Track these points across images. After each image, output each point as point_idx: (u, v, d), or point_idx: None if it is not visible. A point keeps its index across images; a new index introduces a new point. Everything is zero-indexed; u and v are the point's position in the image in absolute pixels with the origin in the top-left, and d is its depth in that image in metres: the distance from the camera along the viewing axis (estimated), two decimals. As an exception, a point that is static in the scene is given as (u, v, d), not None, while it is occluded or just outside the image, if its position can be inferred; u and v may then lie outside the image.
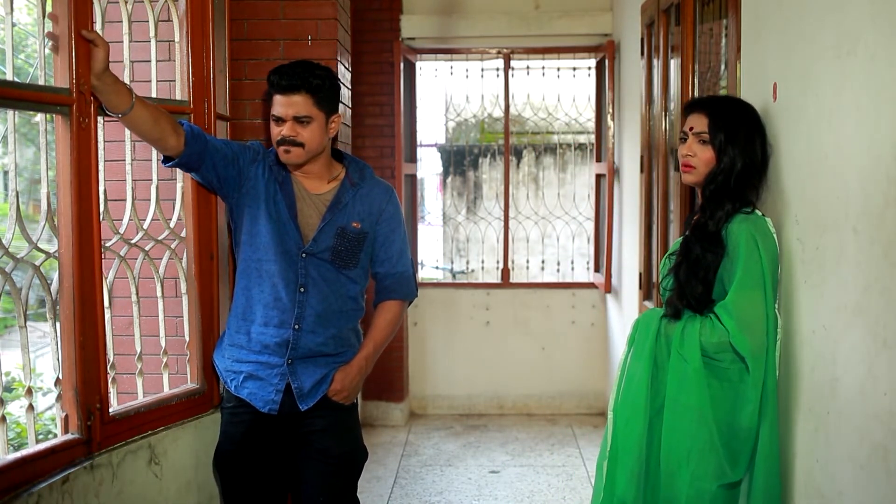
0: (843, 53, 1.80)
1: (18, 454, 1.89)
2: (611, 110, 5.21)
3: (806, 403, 2.02)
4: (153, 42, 2.51)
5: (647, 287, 4.10)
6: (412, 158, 5.66)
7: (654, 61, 3.89)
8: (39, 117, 2.09)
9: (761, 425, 2.07)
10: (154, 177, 2.52)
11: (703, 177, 2.19)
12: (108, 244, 2.29)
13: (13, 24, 2.02)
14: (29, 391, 2.03)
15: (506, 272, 5.74)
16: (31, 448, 1.95)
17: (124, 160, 2.44)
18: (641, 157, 4.16)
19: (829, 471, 1.89)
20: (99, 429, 2.12)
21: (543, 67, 5.83)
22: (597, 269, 5.67)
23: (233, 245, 2.57)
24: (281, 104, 2.35)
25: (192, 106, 2.53)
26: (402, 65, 5.22)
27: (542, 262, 6.24)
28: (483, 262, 6.71)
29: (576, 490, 4.19)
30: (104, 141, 2.28)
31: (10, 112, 1.99)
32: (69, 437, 2.06)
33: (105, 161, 2.29)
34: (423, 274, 7.47)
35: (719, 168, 2.16)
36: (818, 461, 1.95)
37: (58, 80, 2.05)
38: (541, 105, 6.16)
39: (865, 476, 1.72)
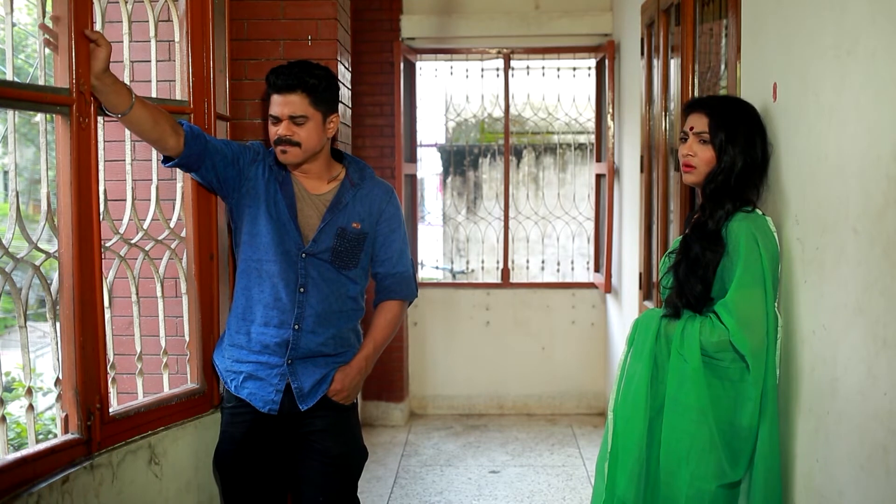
0: (843, 53, 1.80)
1: (18, 454, 1.89)
2: (611, 110, 5.21)
3: (806, 403, 2.02)
4: (153, 42, 2.51)
5: (647, 287, 4.10)
6: (412, 158, 5.66)
7: (654, 61, 3.89)
8: (39, 117, 2.09)
9: (761, 424, 2.07)
10: (154, 177, 2.52)
11: (704, 176, 2.20)
12: (108, 244, 2.29)
13: (13, 24, 2.01)
14: (29, 391, 2.03)
15: (506, 272, 5.74)
16: (31, 448, 1.95)
17: (124, 160, 2.44)
18: (641, 157, 4.16)
19: (829, 471, 1.89)
20: (99, 429, 2.12)
21: (543, 67, 5.83)
22: (597, 269, 5.68)
23: (233, 245, 2.57)
24: (277, 104, 2.35)
25: (192, 106, 2.53)
26: (401, 65, 5.22)
27: (542, 262, 6.24)
28: (483, 262, 6.71)
29: (576, 490, 4.19)
30: (104, 141, 2.28)
31: (10, 112, 1.99)
32: (69, 437, 2.06)
33: (105, 161, 2.29)
34: (423, 274, 7.47)
35: (719, 168, 2.16)
36: (818, 461, 1.95)
37: (58, 80, 2.05)
38: (541, 105, 6.16)
39: (865, 476, 1.72)
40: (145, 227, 2.47)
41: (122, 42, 2.42)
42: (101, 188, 2.20)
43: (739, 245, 2.07)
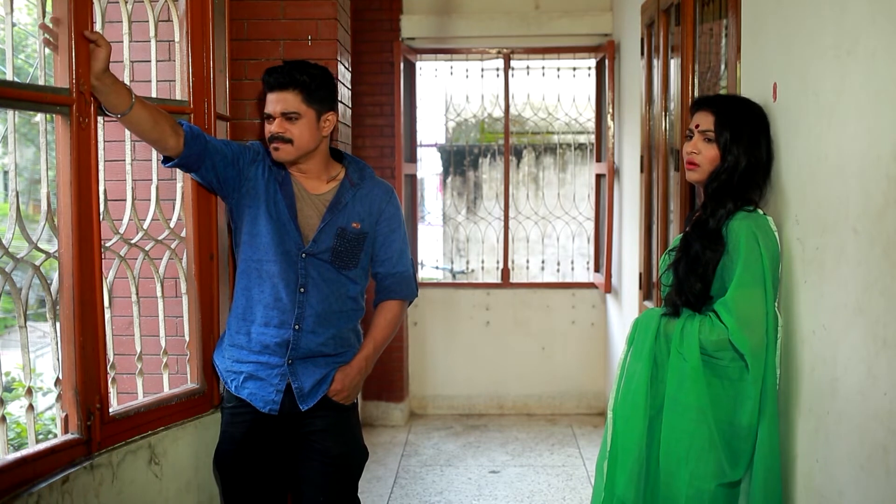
0: (843, 53, 1.80)
1: (18, 454, 1.89)
2: (611, 110, 5.21)
3: (806, 403, 2.02)
4: (153, 42, 2.51)
5: (647, 287, 4.10)
6: (412, 158, 5.66)
7: (654, 61, 3.89)
8: (39, 117, 2.09)
9: (761, 424, 2.07)
10: (154, 177, 2.52)
11: (707, 175, 2.19)
12: (108, 244, 2.29)
13: (13, 24, 2.01)
14: (29, 391, 2.03)
15: (506, 272, 5.74)
16: (31, 448, 1.95)
17: (124, 160, 2.44)
18: (641, 157, 4.16)
19: (829, 471, 1.89)
20: (99, 429, 2.12)
21: (543, 67, 5.83)
22: (597, 269, 5.68)
23: (233, 245, 2.57)
24: (271, 101, 2.37)
25: (192, 106, 2.53)
26: (401, 65, 5.22)
27: (542, 262, 6.24)
28: (483, 262, 6.71)
29: (576, 490, 4.19)
30: (104, 141, 2.28)
31: (10, 112, 1.99)
32: (69, 437, 2.06)
33: (105, 161, 2.29)
34: (423, 274, 7.47)
35: (723, 167, 2.16)
36: (818, 461, 1.95)
37: (58, 80, 2.05)
38: (541, 105, 6.16)
39: (865, 476, 1.72)
40: (145, 227, 2.47)
41: (122, 42, 2.42)
42: (101, 188, 2.20)
43: (740, 244, 2.07)
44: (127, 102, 2.17)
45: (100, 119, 2.18)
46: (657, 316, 2.24)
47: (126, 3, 2.42)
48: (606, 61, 5.24)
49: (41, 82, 2.08)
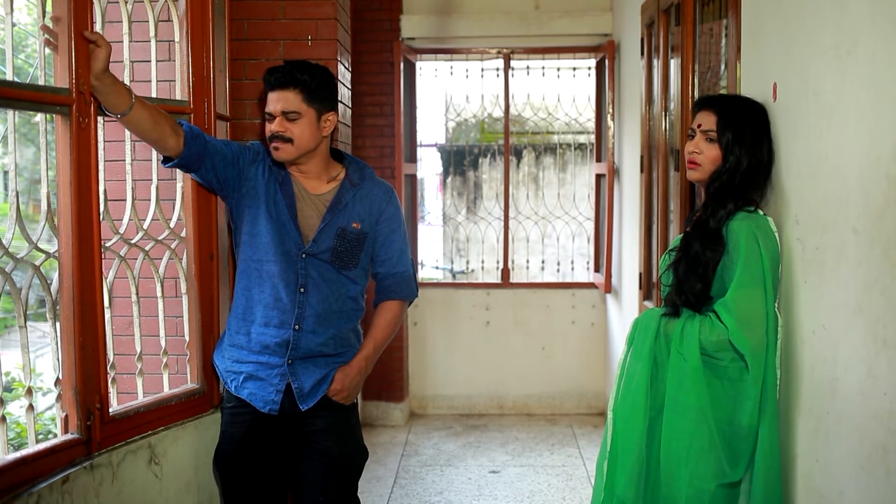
0: (843, 53, 1.80)
1: (18, 454, 1.89)
2: (611, 110, 5.21)
3: (806, 403, 2.02)
4: (153, 42, 2.51)
5: (647, 287, 4.10)
6: (412, 158, 5.66)
7: (654, 61, 3.89)
8: (39, 117, 2.09)
9: (761, 424, 2.07)
10: (154, 177, 2.52)
11: (708, 174, 2.19)
12: (108, 244, 2.29)
13: (13, 24, 2.02)
14: (29, 391, 2.03)
15: (506, 272, 5.74)
16: (31, 448, 1.95)
17: (124, 160, 2.44)
18: (641, 157, 4.16)
19: (829, 471, 1.89)
20: (99, 429, 2.12)
21: (543, 67, 5.83)
22: (597, 269, 5.68)
23: (233, 245, 2.57)
24: (272, 101, 2.38)
25: (192, 106, 2.53)
26: (402, 65, 5.22)
27: (542, 262, 6.24)
28: (483, 262, 6.71)
29: (576, 490, 4.19)
30: (104, 141, 2.28)
31: (10, 112, 1.99)
32: (69, 437, 2.06)
33: (105, 161, 2.29)
34: (423, 274, 7.47)
35: (724, 167, 2.16)
36: (818, 461, 1.95)
37: (58, 80, 2.05)
38: (541, 105, 6.16)
39: (865, 476, 1.72)
40: (145, 227, 2.47)
41: (122, 42, 2.42)
42: (101, 188, 2.20)
43: (740, 244, 2.07)
44: (127, 102, 2.17)
45: (100, 119, 2.18)
46: (657, 316, 2.24)
47: (126, 3, 2.42)
48: (606, 61, 5.24)
49: (41, 82, 2.08)
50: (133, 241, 2.44)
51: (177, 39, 2.55)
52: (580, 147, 7.55)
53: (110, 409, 2.20)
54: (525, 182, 7.89)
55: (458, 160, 8.03)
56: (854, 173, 1.75)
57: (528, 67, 5.90)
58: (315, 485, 2.46)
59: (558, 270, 6.13)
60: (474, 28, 5.37)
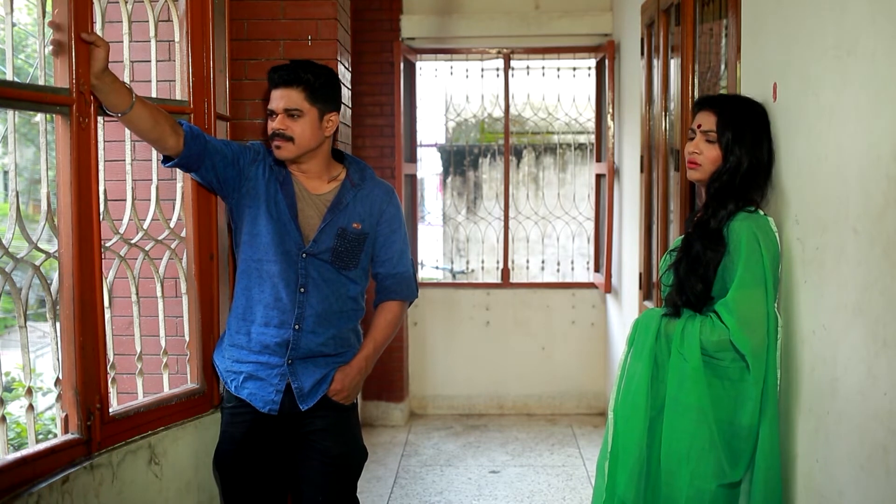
0: (843, 53, 1.80)
1: (18, 454, 1.89)
2: (611, 110, 5.21)
3: (806, 403, 2.02)
4: (153, 42, 2.51)
5: (647, 287, 4.10)
6: (412, 158, 5.66)
7: (654, 61, 3.89)
8: (39, 117, 2.09)
9: (761, 424, 2.07)
10: (154, 177, 2.52)
11: (709, 175, 2.19)
12: (108, 244, 2.29)
13: (13, 24, 2.02)
14: (29, 391, 2.03)
15: (506, 272, 5.74)
16: (31, 448, 1.95)
17: (124, 160, 2.44)
18: (641, 157, 4.16)
19: (829, 471, 1.89)
20: (99, 429, 2.12)
21: (543, 67, 5.83)
22: (597, 269, 5.68)
23: (233, 245, 2.57)
24: (275, 98, 2.38)
25: (192, 106, 2.53)
26: (402, 65, 5.22)
27: (542, 262, 6.24)
28: (483, 262, 6.71)
29: (576, 490, 4.19)
30: (104, 141, 2.28)
31: (10, 112, 1.99)
32: (69, 437, 2.06)
33: (105, 161, 2.29)
34: (423, 274, 7.47)
35: (725, 167, 2.16)
36: (818, 461, 1.95)
37: (58, 80, 2.05)
38: (541, 105, 6.16)
39: (865, 476, 1.72)
40: (145, 227, 2.47)
41: (122, 42, 2.42)
42: (101, 188, 2.20)
43: (741, 245, 2.07)
44: (127, 102, 2.17)
45: (100, 119, 2.18)
46: (658, 316, 2.24)
47: (126, 3, 2.42)
48: (606, 61, 5.24)
49: (41, 82, 2.08)
50: (133, 241, 2.44)
51: (177, 39, 2.55)
52: (580, 147, 7.55)
53: (110, 409, 2.20)
54: (525, 182, 7.89)
55: (458, 160, 8.03)
56: (854, 173, 1.75)
57: (528, 67, 5.90)
58: (315, 485, 2.46)
59: (558, 270, 6.13)
60: (474, 28, 5.37)
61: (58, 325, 2.08)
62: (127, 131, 2.37)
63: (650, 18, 3.96)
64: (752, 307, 2.05)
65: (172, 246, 2.54)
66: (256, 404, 2.42)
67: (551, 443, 4.98)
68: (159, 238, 2.50)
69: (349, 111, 3.45)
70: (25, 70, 5.73)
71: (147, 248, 2.47)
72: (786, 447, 2.11)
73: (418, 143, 5.88)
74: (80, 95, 2.06)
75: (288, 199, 2.43)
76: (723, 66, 2.98)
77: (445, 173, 8.30)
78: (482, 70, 5.95)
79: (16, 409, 4.18)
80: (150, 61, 2.52)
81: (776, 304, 2.10)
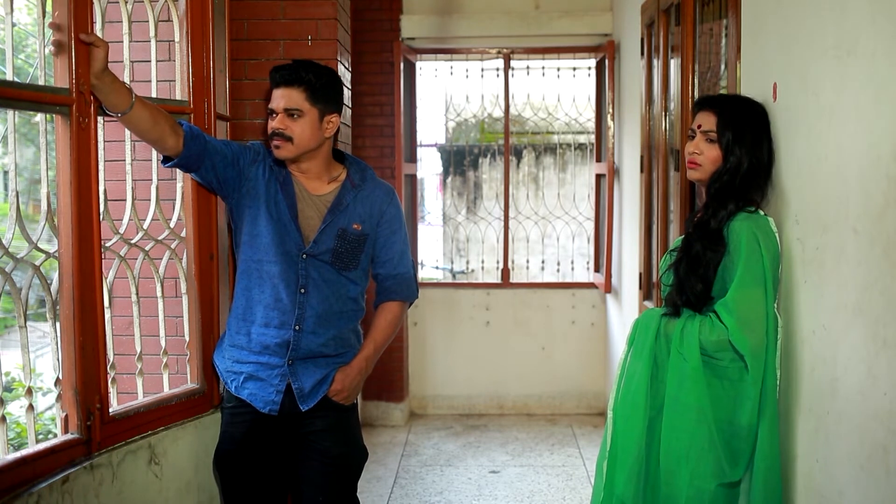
0: (843, 53, 1.80)
1: (18, 454, 1.89)
2: (611, 110, 5.21)
3: (806, 403, 2.02)
4: (153, 42, 2.51)
5: (647, 287, 4.10)
6: (412, 158, 5.66)
7: (654, 61, 3.89)
8: (39, 117, 2.09)
9: (760, 424, 2.07)
10: (154, 177, 2.52)
11: (709, 175, 2.19)
12: (108, 244, 2.29)
13: (13, 24, 2.01)
14: (29, 391, 2.03)
15: (506, 272, 5.74)
16: (31, 448, 1.95)
17: (124, 160, 2.44)
18: (641, 157, 4.16)
19: (829, 471, 1.89)
20: (99, 429, 2.12)
21: (543, 67, 5.83)
22: (597, 269, 5.68)
23: (233, 245, 2.57)
24: (276, 97, 2.38)
25: (192, 106, 2.53)
26: (402, 65, 5.22)
27: (542, 262, 6.24)
28: (483, 262, 6.71)
29: (576, 490, 4.19)
30: (104, 141, 2.28)
31: (10, 112, 1.99)
32: (69, 437, 2.06)
33: (105, 161, 2.29)
34: (423, 274, 7.47)
35: (725, 167, 2.16)
36: (818, 461, 1.95)
37: (58, 81, 2.05)
38: (541, 105, 6.16)
39: (865, 476, 1.72)
40: (145, 227, 2.47)
41: (122, 42, 2.42)
42: (101, 188, 2.20)
43: (741, 245, 2.07)
44: (127, 102, 2.17)
45: (100, 119, 2.18)
46: (657, 316, 2.24)
47: (126, 3, 2.42)
48: (606, 61, 5.24)
49: (41, 82, 2.08)
50: (133, 241, 2.44)
51: (177, 39, 2.55)
52: (580, 147, 7.55)
53: (110, 409, 2.20)
54: (525, 182, 7.89)
55: (458, 160, 8.03)
56: (854, 173, 1.75)
57: (528, 67, 5.90)
58: (315, 485, 2.46)
59: (558, 270, 6.13)
60: (474, 28, 5.37)
61: (58, 325, 2.08)
62: (127, 131, 2.37)
63: (650, 18, 3.96)
64: (752, 307, 2.05)
65: (172, 246, 2.54)
66: (257, 404, 2.42)
67: (551, 443, 4.98)
68: (159, 238, 2.50)
69: (349, 111, 3.45)
70: (25, 70, 5.73)
71: (147, 248, 2.47)
72: (786, 447, 2.11)
73: (418, 143, 5.88)
74: (80, 95, 2.06)
75: (288, 200, 2.43)
76: (723, 66, 2.98)
77: (445, 173, 8.30)
78: (482, 70, 5.95)
79: (16, 409, 4.18)
80: (150, 61, 2.52)
81: (776, 305, 2.10)
